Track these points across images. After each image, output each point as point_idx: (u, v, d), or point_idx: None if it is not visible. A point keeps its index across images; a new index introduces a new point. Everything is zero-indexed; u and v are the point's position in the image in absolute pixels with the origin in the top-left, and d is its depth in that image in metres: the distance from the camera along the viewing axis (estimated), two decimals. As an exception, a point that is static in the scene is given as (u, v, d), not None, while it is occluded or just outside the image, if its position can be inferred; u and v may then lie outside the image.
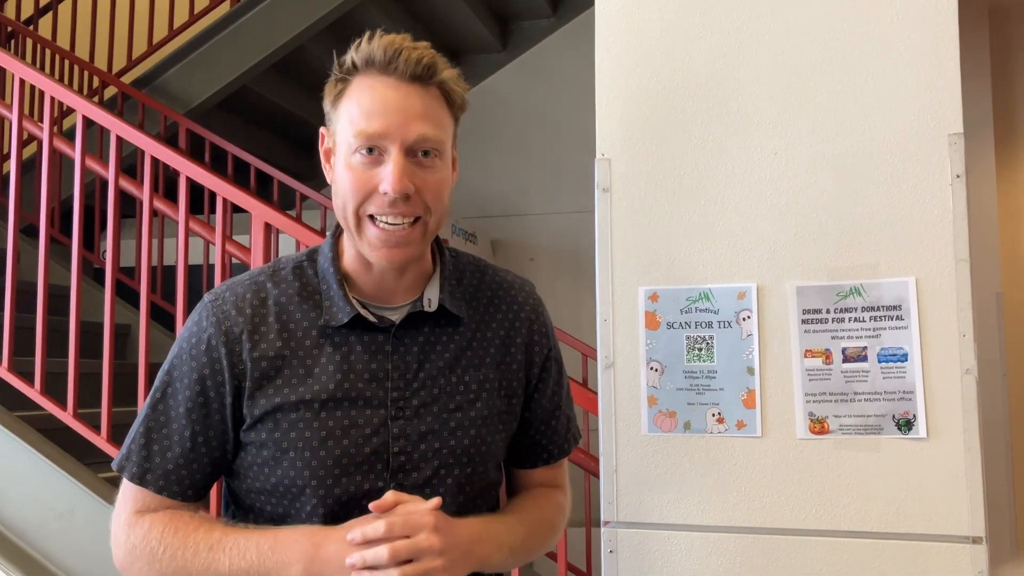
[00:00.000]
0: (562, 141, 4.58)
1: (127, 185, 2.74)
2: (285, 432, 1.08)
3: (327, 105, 1.13)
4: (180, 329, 2.40)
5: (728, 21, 1.65)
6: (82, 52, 4.52)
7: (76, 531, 2.42)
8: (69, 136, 2.83)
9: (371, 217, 1.07)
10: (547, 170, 4.69)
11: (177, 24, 4.48)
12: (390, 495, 1.02)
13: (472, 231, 4.38)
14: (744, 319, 1.58)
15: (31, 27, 4.60)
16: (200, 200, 3.61)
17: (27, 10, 4.73)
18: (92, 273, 3.95)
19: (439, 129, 1.08)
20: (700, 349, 1.59)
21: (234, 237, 2.82)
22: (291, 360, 1.09)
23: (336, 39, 4.31)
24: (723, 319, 1.59)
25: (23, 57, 4.37)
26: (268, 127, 4.79)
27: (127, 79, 4.36)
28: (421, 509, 1.01)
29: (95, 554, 2.38)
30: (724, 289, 1.59)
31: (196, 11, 4.49)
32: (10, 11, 4.70)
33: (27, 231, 3.65)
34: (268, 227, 2.41)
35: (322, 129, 1.16)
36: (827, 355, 1.54)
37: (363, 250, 1.09)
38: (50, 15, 4.64)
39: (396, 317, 1.12)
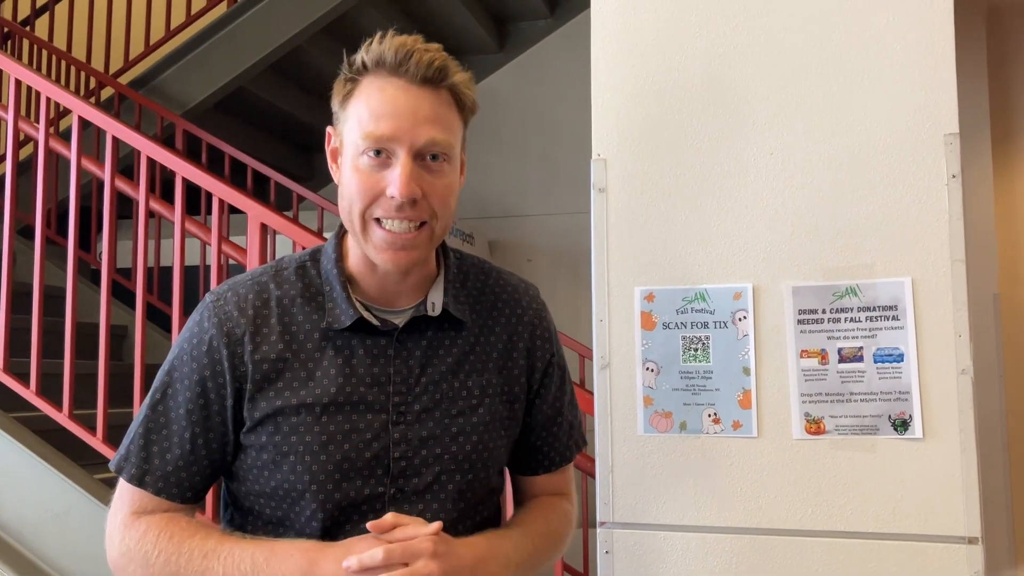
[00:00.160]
0: (560, 142, 4.59)
1: (123, 186, 2.74)
2: (286, 436, 1.07)
3: (335, 104, 1.12)
4: (176, 330, 2.40)
5: (724, 22, 1.65)
6: (79, 53, 4.51)
7: (72, 532, 2.41)
8: (66, 137, 2.83)
9: (377, 220, 1.05)
10: (545, 171, 4.69)
11: (174, 25, 4.47)
12: (389, 517, 1.01)
13: (470, 232, 4.38)
14: (740, 319, 1.58)
15: (28, 27, 4.59)
16: (197, 201, 3.62)
17: (24, 10, 4.72)
18: (89, 274, 3.94)
19: (448, 133, 1.07)
20: (696, 349, 1.59)
21: (231, 238, 2.82)
22: (293, 363, 1.08)
23: (333, 40, 4.34)
24: (719, 319, 1.58)
25: (19, 58, 4.36)
26: (265, 128, 4.78)
27: (124, 80, 4.36)
28: (420, 534, 0.99)
29: (91, 555, 2.37)
30: (720, 289, 1.59)
31: (193, 12, 4.49)
32: (7, 11, 4.70)
33: (24, 232, 3.64)
34: (264, 228, 2.40)
35: (329, 128, 1.15)
36: (823, 355, 1.54)
37: (368, 252, 1.08)
38: (47, 15, 4.63)
39: (399, 321, 1.11)
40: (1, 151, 3.91)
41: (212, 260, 2.51)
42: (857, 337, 1.53)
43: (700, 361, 1.59)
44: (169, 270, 2.66)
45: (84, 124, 2.68)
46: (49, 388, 2.58)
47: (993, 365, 3.37)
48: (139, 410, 1.13)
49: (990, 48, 3.44)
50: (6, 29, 4.38)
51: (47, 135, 2.74)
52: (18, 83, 2.80)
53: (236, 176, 4.18)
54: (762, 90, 1.62)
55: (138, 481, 1.08)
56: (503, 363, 1.17)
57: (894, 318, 1.51)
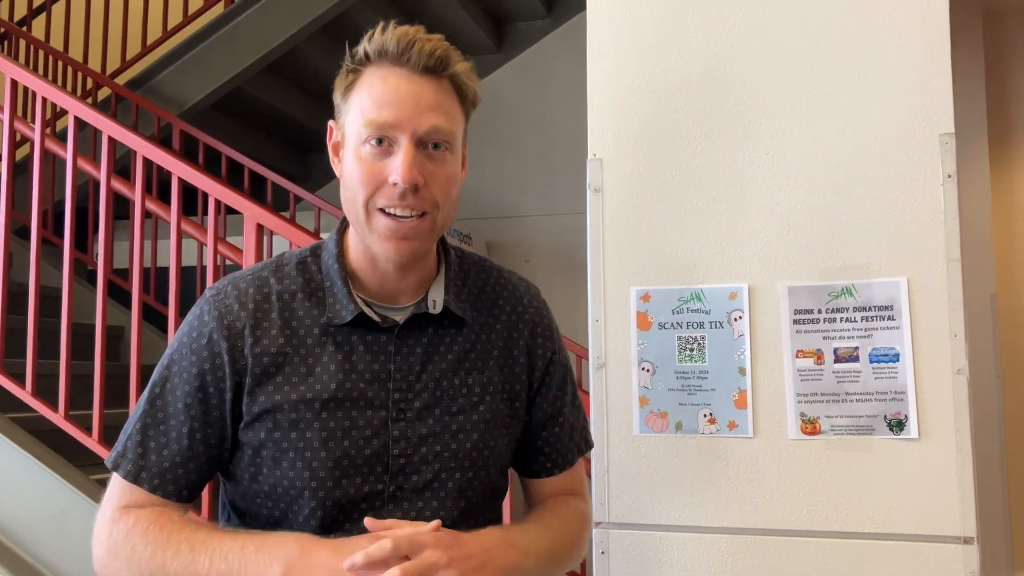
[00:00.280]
0: (558, 142, 4.58)
1: (120, 186, 2.73)
2: (285, 432, 1.06)
3: (337, 97, 1.11)
4: (173, 331, 2.40)
5: (719, 22, 1.65)
6: (76, 53, 4.51)
7: (67, 533, 2.41)
8: (63, 138, 2.82)
9: (380, 210, 1.05)
10: (542, 171, 4.69)
11: (171, 25, 4.47)
12: (388, 523, 1.00)
13: (467, 232, 4.38)
14: (736, 319, 1.58)
15: (24, 28, 4.59)
16: (194, 202, 3.61)
17: (20, 11, 4.71)
18: (86, 275, 3.94)
19: (450, 121, 1.07)
20: (692, 349, 1.59)
21: (228, 239, 2.82)
22: (293, 358, 1.08)
23: (331, 40, 4.34)
24: (715, 319, 1.58)
25: (16, 58, 4.35)
26: (262, 128, 4.78)
27: (121, 80, 4.35)
28: (422, 530, 0.99)
29: (86, 556, 2.34)
30: (716, 289, 1.59)
31: (190, 12, 4.48)
32: (3, 12, 4.69)
33: (21, 232, 3.64)
34: (260, 228, 2.40)
35: (331, 122, 1.14)
36: (819, 355, 1.54)
37: (371, 243, 1.07)
38: (43, 16, 4.63)
39: (400, 318, 1.11)
40: (-2, 151, 3.90)
41: (208, 261, 2.51)
42: (853, 337, 1.53)
43: (696, 361, 1.58)
44: (166, 271, 2.65)
45: (80, 124, 2.67)
46: (45, 389, 2.58)
47: (990, 366, 3.37)
48: (136, 406, 1.11)
49: (987, 49, 3.44)
50: (2, 29, 4.37)
51: (43, 135, 2.74)
52: (14, 83, 2.79)
53: (233, 177, 4.17)
54: (758, 90, 1.62)
55: (134, 478, 1.07)
56: (504, 360, 1.16)
57: (890, 318, 1.51)
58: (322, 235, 3.21)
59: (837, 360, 1.53)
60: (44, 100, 2.73)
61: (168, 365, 1.10)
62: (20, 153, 3.98)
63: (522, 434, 1.20)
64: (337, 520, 1.07)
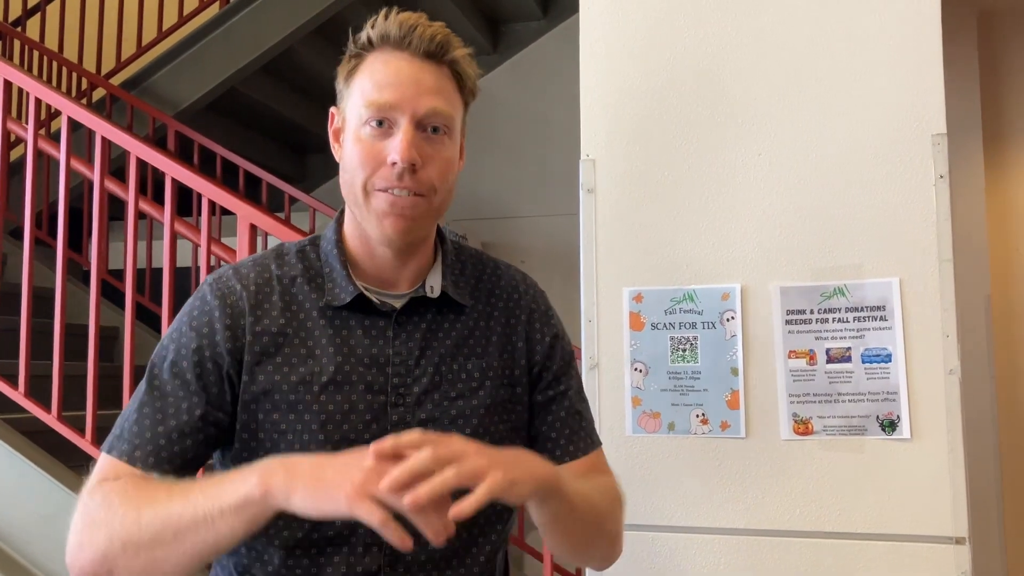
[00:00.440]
0: (553, 143, 4.58)
1: (113, 187, 2.73)
2: (283, 414, 1.05)
3: (339, 83, 1.12)
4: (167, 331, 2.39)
5: (712, 23, 1.65)
6: (71, 54, 4.50)
7: (60, 534, 2.38)
8: (57, 138, 2.82)
9: (378, 190, 1.06)
10: (538, 172, 4.69)
11: (166, 26, 4.46)
12: (389, 440, 0.91)
13: (463, 233, 4.38)
14: (728, 320, 1.58)
15: (19, 28, 4.58)
16: (188, 202, 3.61)
17: (15, 11, 4.71)
18: (81, 275, 3.93)
19: (450, 106, 1.08)
20: (684, 350, 1.59)
21: (224, 239, 2.82)
22: (292, 339, 1.08)
23: (326, 41, 4.33)
24: (707, 320, 1.58)
25: (10, 59, 4.35)
26: (257, 129, 4.77)
27: (116, 81, 4.34)
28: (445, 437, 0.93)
29: (79, 558, 2.36)
30: (708, 290, 1.59)
31: (185, 13, 4.47)
32: (-2, 12, 4.69)
33: (15, 233, 3.63)
34: (253, 228, 2.40)
35: (332, 109, 1.15)
36: (811, 356, 1.54)
37: (369, 224, 1.08)
38: (38, 16, 4.62)
39: (398, 304, 1.11)
40: (-8, 152, 3.89)
41: (201, 261, 2.51)
42: (845, 337, 1.53)
43: (688, 362, 1.58)
44: (160, 271, 2.65)
45: (75, 125, 2.67)
46: (39, 390, 2.57)
47: (984, 366, 3.37)
48: (134, 392, 1.09)
49: (981, 49, 3.45)
50: (-3, 30, 4.37)
51: (35, 136, 2.73)
52: (8, 84, 2.79)
53: (228, 177, 4.17)
54: (751, 91, 1.62)
55: (128, 456, 1.03)
56: (503, 346, 1.16)
57: (882, 318, 1.51)
58: (316, 236, 3.20)
59: (829, 360, 1.53)
60: (37, 101, 2.73)
61: (167, 344, 1.09)
62: (14, 154, 3.97)
63: (528, 420, 1.18)
64: None
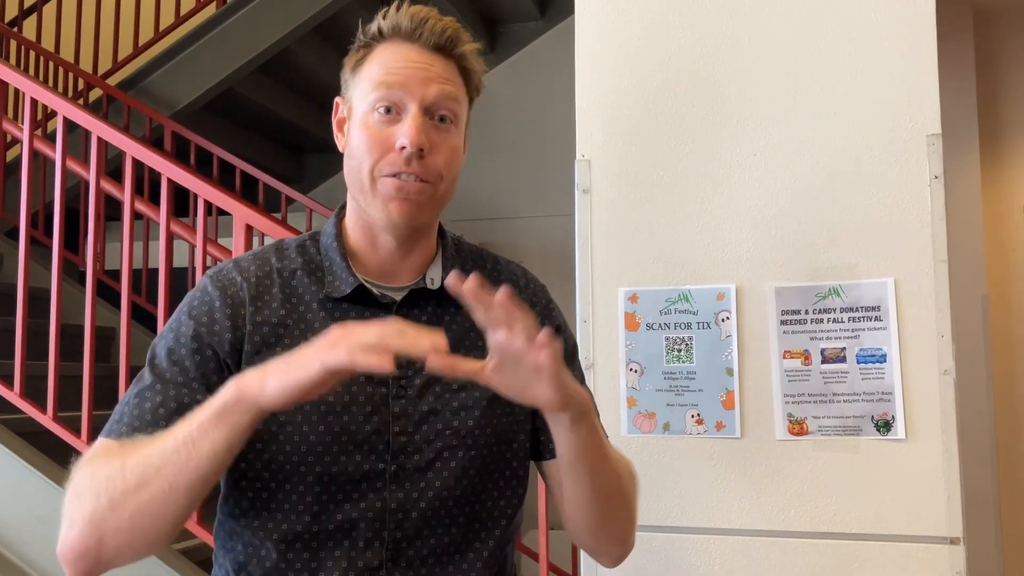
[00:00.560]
0: (551, 144, 4.58)
1: (109, 187, 2.72)
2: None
3: (346, 73, 1.13)
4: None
5: (708, 24, 1.65)
6: (67, 54, 4.49)
7: (56, 535, 2.38)
8: (53, 139, 2.82)
9: (384, 176, 1.06)
10: (535, 173, 4.69)
11: (163, 26, 4.46)
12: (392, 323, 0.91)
13: (460, 234, 4.37)
14: (723, 320, 1.58)
15: (15, 28, 4.58)
16: (185, 203, 3.61)
17: (11, 11, 4.70)
18: (77, 276, 3.93)
19: (457, 96, 1.09)
20: (679, 350, 1.59)
21: (220, 240, 2.81)
22: (292, 330, 1.07)
23: (323, 41, 4.33)
24: (702, 320, 1.58)
25: (7, 59, 4.34)
26: (254, 129, 4.77)
27: (112, 81, 4.34)
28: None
29: (75, 558, 2.35)
30: (703, 290, 1.59)
31: (182, 13, 4.47)
32: (-6, 13, 4.68)
33: (12, 234, 3.63)
34: (250, 229, 2.39)
35: (337, 99, 1.15)
36: (806, 356, 1.54)
37: (375, 210, 1.07)
38: (34, 16, 4.61)
39: (399, 297, 1.11)
40: (-12, 152, 3.89)
41: (198, 262, 2.50)
42: (840, 338, 1.53)
43: (683, 362, 1.58)
44: (157, 272, 2.64)
45: (71, 126, 2.66)
46: (34, 390, 2.57)
47: (981, 367, 3.37)
48: (134, 380, 1.08)
49: (978, 49, 3.45)
50: (-6, 30, 4.36)
51: (31, 136, 2.73)
52: (3, 84, 2.79)
53: (225, 178, 4.16)
54: (746, 91, 1.62)
55: (127, 438, 1.01)
56: None
57: (877, 319, 1.51)
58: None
59: (824, 361, 1.53)
60: (33, 101, 2.72)
61: (166, 333, 1.09)
62: (10, 154, 3.97)
63: (532, 413, 1.16)
64: (335, 499, 1.04)
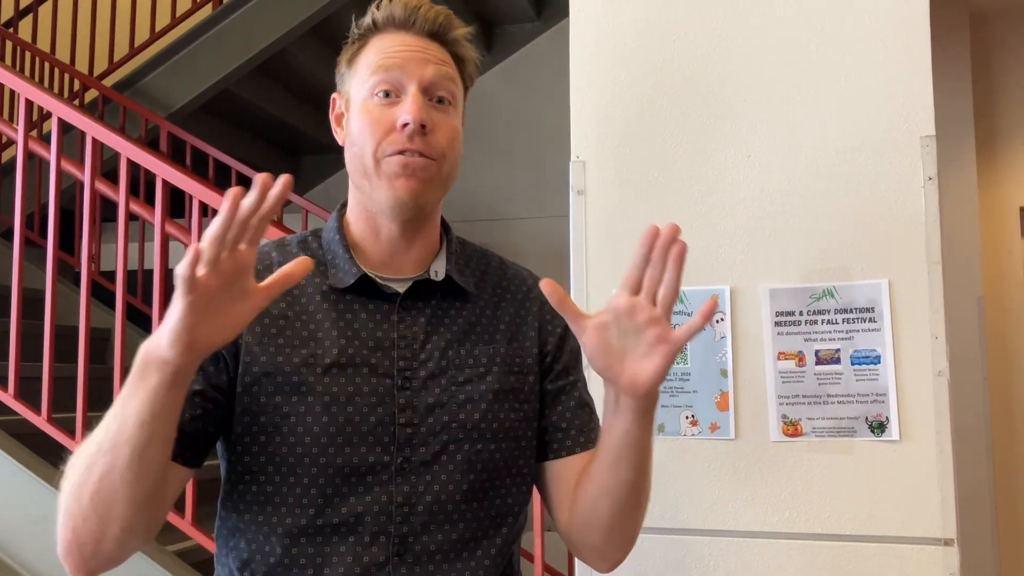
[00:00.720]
0: (547, 145, 4.58)
1: (104, 188, 2.72)
2: (286, 396, 1.04)
3: (342, 67, 1.14)
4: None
5: (702, 26, 1.65)
6: (63, 55, 4.49)
7: (50, 537, 2.36)
8: (48, 140, 2.81)
9: (388, 156, 1.06)
10: (531, 174, 4.69)
11: (159, 27, 4.45)
12: None
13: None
14: (717, 321, 1.57)
15: (11, 29, 4.57)
16: (182, 204, 3.60)
17: (7, 12, 4.70)
18: (73, 277, 3.92)
19: (454, 79, 1.11)
20: (674, 351, 1.58)
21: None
22: (294, 322, 1.07)
23: (319, 42, 4.32)
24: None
25: (2, 60, 4.34)
26: (250, 130, 4.77)
27: (108, 82, 4.33)
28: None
29: (69, 560, 2.35)
30: (698, 291, 1.59)
31: (178, 14, 4.47)
32: (-10, 13, 4.67)
33: (7, 235, 3.62)
34: (245, 230, 2.39)
35: (334, 95, 1.16)
36: (800, 357, 1.54)
37: (380, 193, 1.07)
38: (30, 17, 4.61)
39: (402, 288, 1.11)
40: (-16, 153, 3.88)
41: (193, 262, 2.49)
42: (834, 339, 1.53)
43: (678, 363, 1.58)
44: (152, 273, 2.64)
45: (66, 127, 2.66)
46: (28, 391, 2.57)
47: (977, 368, 3.38)
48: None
49: (974, 51, 3.45)
50: (-11, 31, 4.35)
51: (26, 137, 2.73)
52: (-2, 85, 2.78)
53: (221, 179, 4.16)
54: (740, 93, 1.62)
55: None
56: (512, 335, 1.14)
57: (871, 320, 1.51)
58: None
59: (819, 362, 1.53)
60: (28, 102, 2.72)
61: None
62: (5, 155, 3.96)
63: (540, 413, 1.16)
64: (340, 492, 1.03)
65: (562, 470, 1.16)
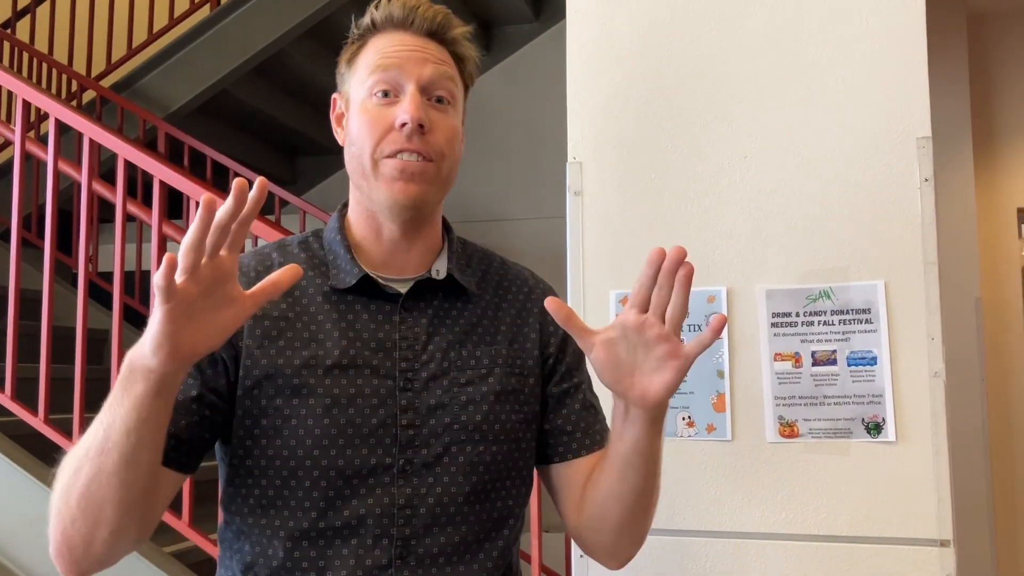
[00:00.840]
0: (544, 146, 4.58)
1: (102, 189, 2.72)
2: (287, 399, 1.03)
3: (342, 67, 1.14)
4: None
5: (699, 26, 1.65)
6: (61, 56, 4.48)
7: (46, 538, 2.38)
8: (47, 140, 2.81)
9: (386, 157, 1.06)
10: (529, 174, 4.69)
11: (157, 28, 4.45)
12: None
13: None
14: (714, 322, 1.57)
15: (8, 30, 4.57)
16: (179, 205, 3.60)
17: (4, 13, 4.69)
18: (70, 278, 3.92)
19: (453, 78, 1.11)
20: (670, 353, 1.58)
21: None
22: (295, 323, 1.06)
23: (317, 43, 4.32)
24: (693, 322, 1.58)
25: (0, 60, 4.33)
26: (248, 131, 4.76)
27: (106, 83, 4.33)
28: None
29: (66, 562, 2.34)
30: (694, 292, 1.56)
31: (176, 15, 4.46)
32: (-12, 14, 4.67)
33: (5, 236, 3.62)
34: (242, 231, 2.38)
35: (334, 95, 1.16)
36: (796, 358, 1.54)
37: (379, 194, 1.07)
38: (28, 18, 4.61)
39: (404, 289, 1.10)
40: (-19, 154, 3.88)
41: (190, 263, 2.49)
42: (831, 340, 1.53)
43: (674, 364, 1.58)
44: (150, 274, 2.64)
45: (63, 128, 2.66)
46: (27, 393, 2.56)
47: (974, 369, 3.38)
48: None
49: (971, 52, 3.46)
50: (-13, 32, 4.35)
51: (23, 138, 2.73)
52: (-4, 85, 2.78)
53: (219, 179, 4.16)
54: (737, 94, 1.62)
55: None
56: (513, 336, 1.14)
57: (867, 321, 1.51)
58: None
59: (815, 363, 1.53)
60: (25, 103, 2.72)
61: None
62: (3, 156, 3.96)
63: (543, 416, 1.16)
64: (343, 495, 1.02)
65: (570, 472, 1.16)
